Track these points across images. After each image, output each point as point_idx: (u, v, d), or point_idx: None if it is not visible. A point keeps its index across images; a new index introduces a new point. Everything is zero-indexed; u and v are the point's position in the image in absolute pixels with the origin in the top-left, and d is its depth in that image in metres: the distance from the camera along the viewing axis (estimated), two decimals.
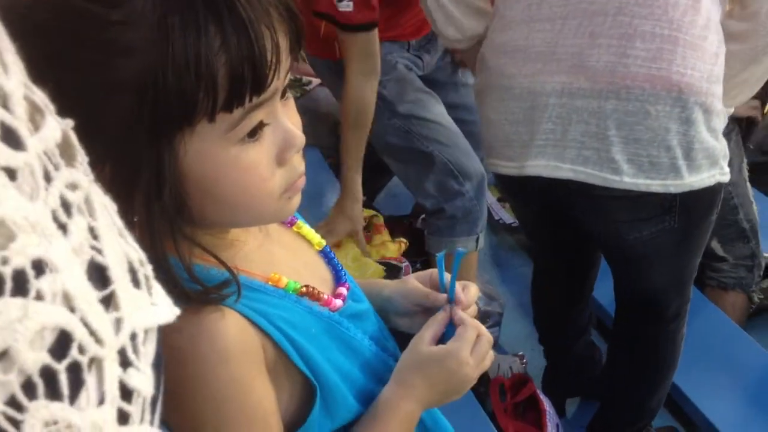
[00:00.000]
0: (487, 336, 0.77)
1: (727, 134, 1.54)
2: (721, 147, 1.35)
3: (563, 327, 1.89)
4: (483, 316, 2.02)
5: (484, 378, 1.91)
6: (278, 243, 0.75)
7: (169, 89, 0.54)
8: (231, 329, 0.63)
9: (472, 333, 0.76)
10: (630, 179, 1.31)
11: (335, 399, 0.71)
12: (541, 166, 1.36)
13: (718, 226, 2.03)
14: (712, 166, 1.34)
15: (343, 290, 0.77)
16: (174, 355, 0.52)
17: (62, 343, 0.25)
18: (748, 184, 2.08)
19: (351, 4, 1.73)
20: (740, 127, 2.06)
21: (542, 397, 1.85)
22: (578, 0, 1.30)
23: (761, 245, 2.12)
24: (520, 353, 2.05)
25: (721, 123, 1.34)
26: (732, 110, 1.43)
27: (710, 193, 1.37)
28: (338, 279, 0.79)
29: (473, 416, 1.69)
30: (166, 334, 0.54)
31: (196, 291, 0.60)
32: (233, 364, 0.63)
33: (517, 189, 1.58)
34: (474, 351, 0.75)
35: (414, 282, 0.83)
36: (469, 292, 0.80)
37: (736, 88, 1.37)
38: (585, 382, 1.96)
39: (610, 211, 1.46)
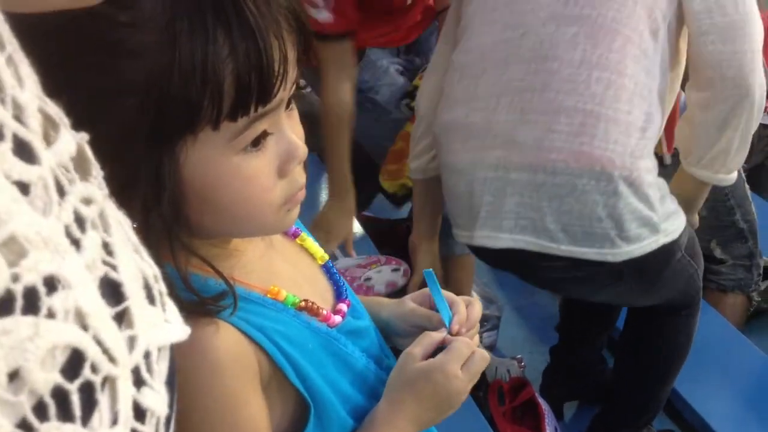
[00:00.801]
0: (481, 353, 0.75)
1: None
2: (661, 213, 1.35)
3: (590, 320, 1.89)
4: (481, 320, 2.01)
5: (482, 382, 1.90)
6: (281, 254, 0.74)
7: (175, 94, 0.53)
8: (225, 343, 0.61)
9: (464, 348, 0.74)
10: (566, 246, 1.35)
11: (329, 416, 0.70)
12: (485, 236, 1.41)
13: (716, 228, 2.03)
14: (653, 233, 1.35)
15: (343, 306, 0.75)
16: None
17: (74, 363, 0.24)
18: (746, 183, 2.07)
19: (330, 16, 1.72)
20: None
21: (540, 400, 1.85)
22: (509, 78, 1.36)
23: (760, 248, 2.11)
24: (518, 356, 2.04)
25: (656, 192, 1.35)
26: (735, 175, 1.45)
27: (658, 254, 1.38)
28: (339, 295, 0.77)
29: (472, 421, 1.69)
30: None
31: (192, 302, 0.59)
32: (226, 379, 0.62)
33: (482, 256, 1.61)
34: (466, 366, 0.74)
35: (411, 304, 0.82)
36: (473, 309, 0.79)
37: (720, 156, 1.39)
38: (588, 386, 1.96)
39: (560, 285, 1.53)
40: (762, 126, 2.36)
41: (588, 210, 1.31)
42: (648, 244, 1.35)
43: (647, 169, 1.32)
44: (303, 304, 0.69)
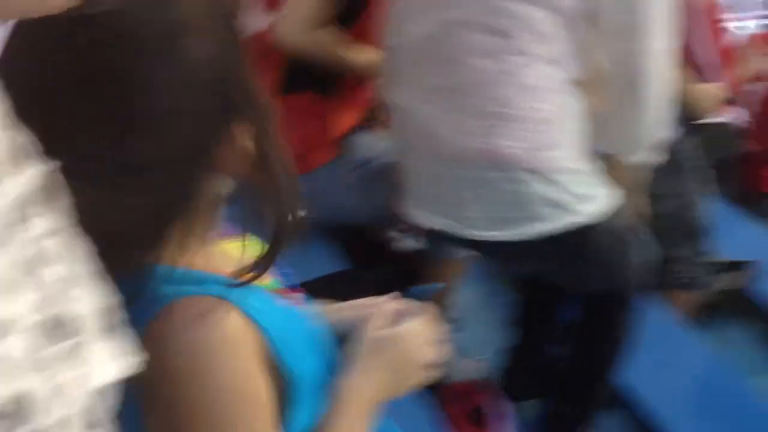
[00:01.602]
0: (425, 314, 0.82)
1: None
2: (575, 194, 1.41)
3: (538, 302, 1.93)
4: (441, 321, 2.00)
5: (439, 384, 1.90)
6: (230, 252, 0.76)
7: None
8: (233, 321, 0.64)
9: (389, 305, 0.81)
10: (485, 231, 1.45)
11: (313, 398, 0.72)
12: (415, 215, 1.54)
13: (671, 226, 2.07)
14: (566, 213, 1.41)
15: (298, 292, 0.78)
16: (170, 346, 0.59)
17: (22, 410, 0.23)
18: (700, 180, 2.10)
19: None
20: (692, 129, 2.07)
21: (499, 400, 1.86)
22: (431, 73, 1.45)
23: (717, 244, 2.14)
24: (478, 357, 2.05)
25: (571, 176, 1.41)
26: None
27: (578, 234, 1.43)
28: (287, 283, 0.80)
29: (429, 423, 1.69)
30: (162, 326, 0.53)
31: (192, 295, 0.63)
32: (234, 354, 0.64)
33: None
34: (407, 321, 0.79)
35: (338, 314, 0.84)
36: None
37: (617, 141, 1.49)
38: (549, 383, 1.97)
39: (494, 259, 1.67)
40: (722, 123, 2.42)
41: (498, 198, 1.41)
42: (561, 222, 1.41)
43: (555, 158, 1.40)
44: (278, 287, 0.73)
